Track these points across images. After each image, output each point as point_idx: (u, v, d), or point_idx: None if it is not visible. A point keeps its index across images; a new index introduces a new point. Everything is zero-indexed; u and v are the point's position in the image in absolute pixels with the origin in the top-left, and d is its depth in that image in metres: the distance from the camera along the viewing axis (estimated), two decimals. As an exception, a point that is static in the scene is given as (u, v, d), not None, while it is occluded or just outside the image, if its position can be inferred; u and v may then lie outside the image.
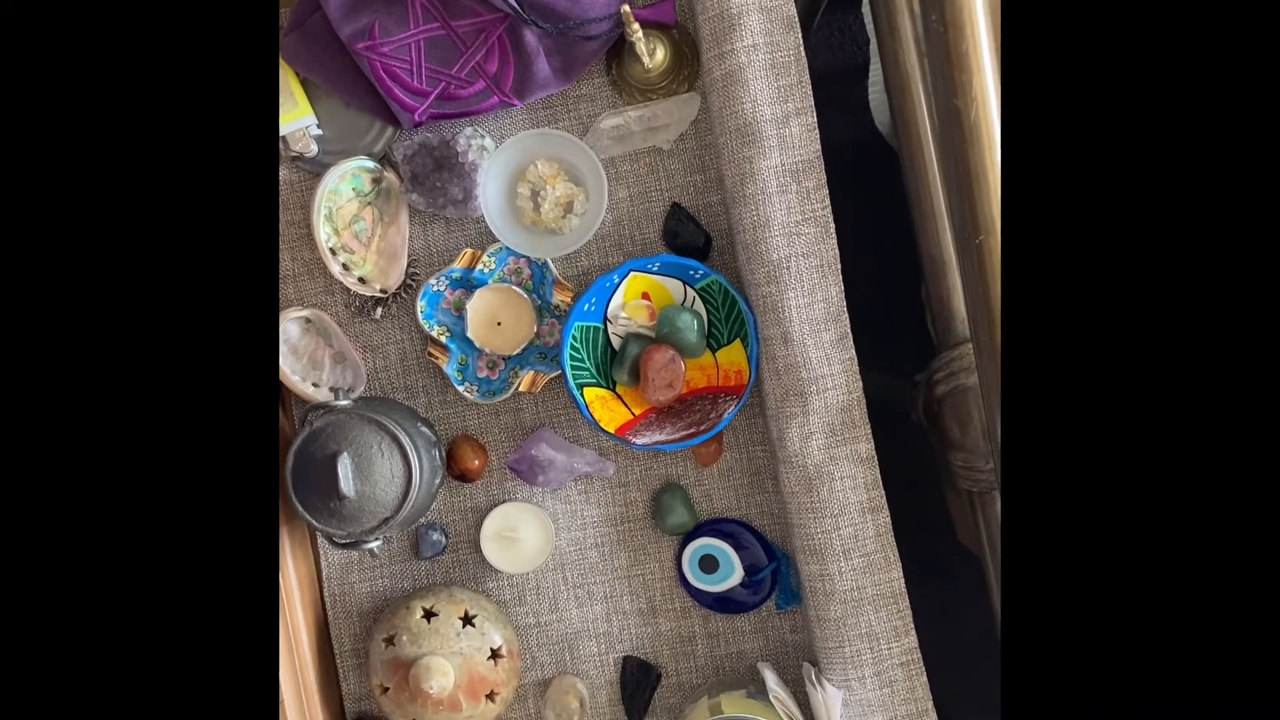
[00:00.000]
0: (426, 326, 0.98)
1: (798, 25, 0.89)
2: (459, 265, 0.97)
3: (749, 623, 0.99)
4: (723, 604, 0.98)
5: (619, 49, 0.97)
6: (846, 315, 0.89)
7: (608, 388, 0.97)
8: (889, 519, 0.89)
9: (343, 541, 0.91)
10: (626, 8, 0.89)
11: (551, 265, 0.97)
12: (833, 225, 0.89)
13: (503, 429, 1.00)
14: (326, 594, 1.02)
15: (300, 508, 0.89)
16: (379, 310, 0.99)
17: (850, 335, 0.89)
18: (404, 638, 0.94)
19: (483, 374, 0.99)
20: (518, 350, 0.97)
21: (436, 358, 0.98)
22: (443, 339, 0.98)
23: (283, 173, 1.00)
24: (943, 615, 1.02)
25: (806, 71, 0.89)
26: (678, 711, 0.99)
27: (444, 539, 1.00)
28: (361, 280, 0.98)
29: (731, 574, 0.97)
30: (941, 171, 0.95)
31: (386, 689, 0.95)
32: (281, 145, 0.98)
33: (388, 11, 0.94)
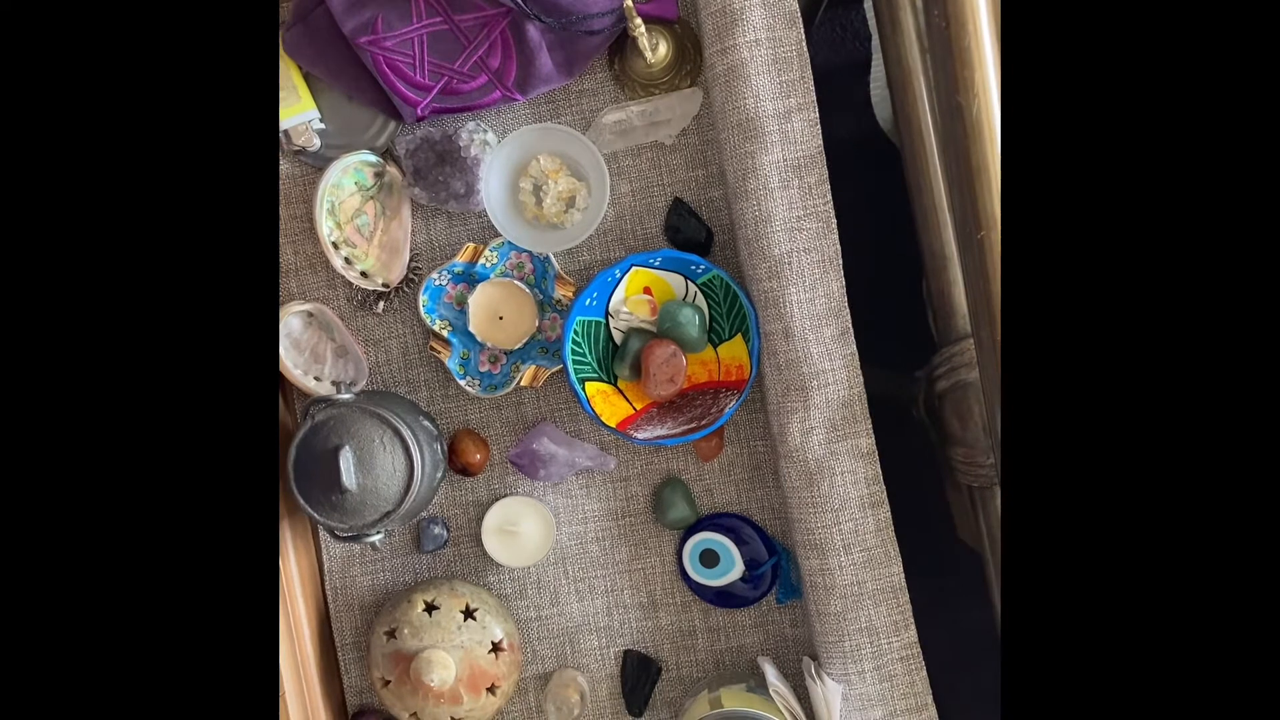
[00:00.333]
0: (428, 321, 0.98)
1: (800, 20, 0.89)
2: (461, 260, 0.97)
3: (749, 617, 0.99)
4: (723, 598, 0.98)
5: (621, 44, 0.97)
6: (848, 310, 0.89)
7: (609, 382, 0.97)
8: (889, 514, 0.89)
9: (344, 535, 0.91)
10: (629, 2, 0.89)
11: (553, 260, 0.97)
12: (834, 220, 0.89)
13: (504, 423, 1.01)
14: (328, 587, 1.02)
15: (302, 501, 0.90)
16: (381, 304, 1.00)
17: (851, 330, 0.89)
18: (405, 631, 0.94)
19: (484, 368, 0.99)
20: (519, 345, 0.98)
21: (438, 352, 0.98)
22: (444, 333, 0.98)
23: (285, 166, 1.00)
24: (943, 610, 1.02)
25: (809, 67, 0.89)
26: (678, 705, 0.99)
27: (445, 533, 1.00)
28: (364, 274, 0.98)
29: (732, 568, 0.97)
30: (943, 167, 0.95)
31: (388, 682, 0.95)
32: (284, 139, 0.98)
33: (391, 6, 0.94)
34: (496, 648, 0.95)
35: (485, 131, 0.96)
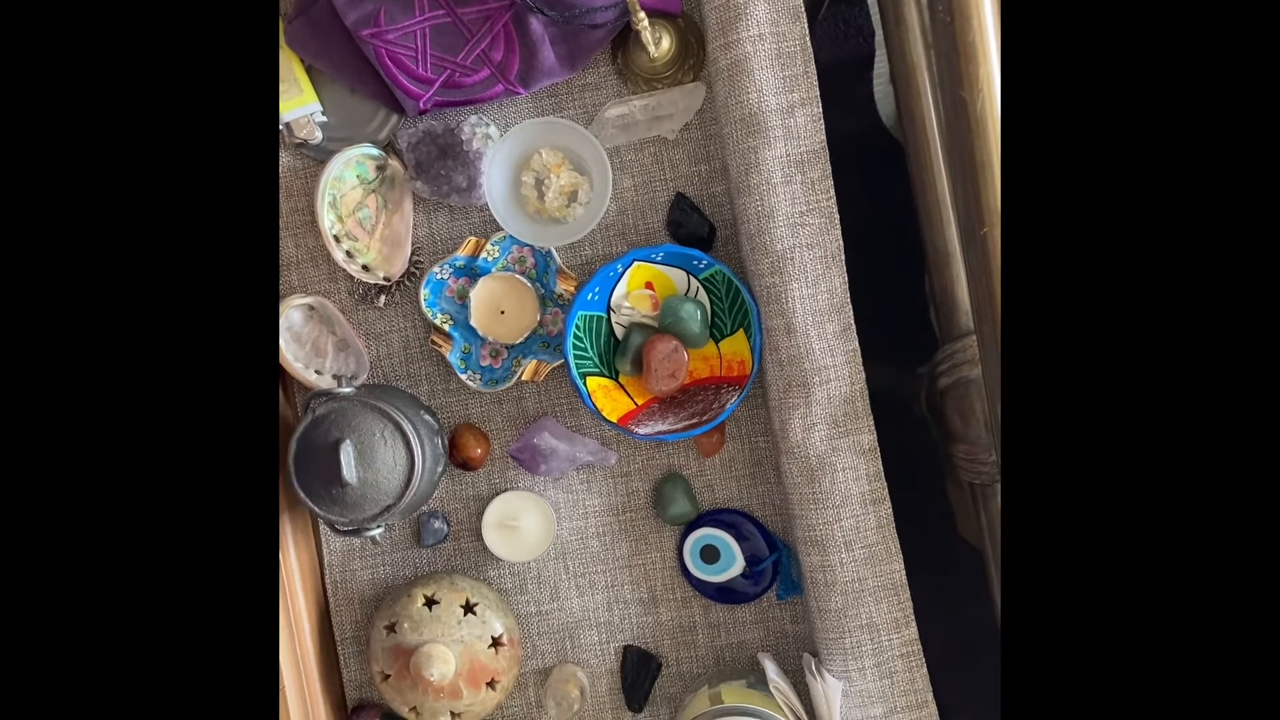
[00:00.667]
0: (430, 314, 0.98)
1: (804, 15, 0.89)
2: (463, 253, 0.97)
3: (750, 613, 0.99)
4: (724, 594, 0.98)
5: (624, 38, 0.96)
6: (850, 307, 0.89)
7: (610, 377, 0.97)
8: (891, 511, 0.89)
9: (345, 529, 0.91)
10: (632, -4, 0.89)
11: (555, 254, 0.97)
12: (837, 216, 0.89)
13: (505, 417, 1.00)
14: (328, 581, 1.02)
15: (303, 495, 0.89)
16: (382, 298, 0.99)
17: (854, 326, 0.89)
18: (405, 625, 0.94)
19: (485, 362, 0.99)
20: (521, 339, 0.97)
21: (439, 346, 0.98)
22: (446, 327, 0.98)
23: (287, 159, 1.00)
24: (944, 607, 1.02)
25: (812, 62, 0.89)
26: (678, 701, 0.99)
27: (446, 527, 1.00)
28: (365, 268, 0.98)
29: (733, 564, 0.97)
30: (947, 163, 0.95)
31: (388, 676, 0.95)
32: (286, 132, 0.98)
33: (393, -2, 0.94)
34: (496, 643, 0.95)
35: (488, 125, 0.96)
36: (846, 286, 0.89)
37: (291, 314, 0.98)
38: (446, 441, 0.99)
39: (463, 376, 0.98)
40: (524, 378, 0.97)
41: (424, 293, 0.97)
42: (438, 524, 1.00)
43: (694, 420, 0.94)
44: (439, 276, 0.98)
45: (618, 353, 0.96)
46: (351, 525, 0.91)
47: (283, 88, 0.96)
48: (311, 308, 0.99)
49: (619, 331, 0.97)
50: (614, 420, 0.94)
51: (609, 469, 1.00)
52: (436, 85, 0.95)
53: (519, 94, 0.96)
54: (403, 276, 0.99)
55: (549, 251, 0.97)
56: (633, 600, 1.00)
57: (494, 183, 0.96)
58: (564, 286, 0.97)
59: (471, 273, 0.98)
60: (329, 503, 0.89)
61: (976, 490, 1.03)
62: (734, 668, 0.98)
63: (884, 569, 0.89)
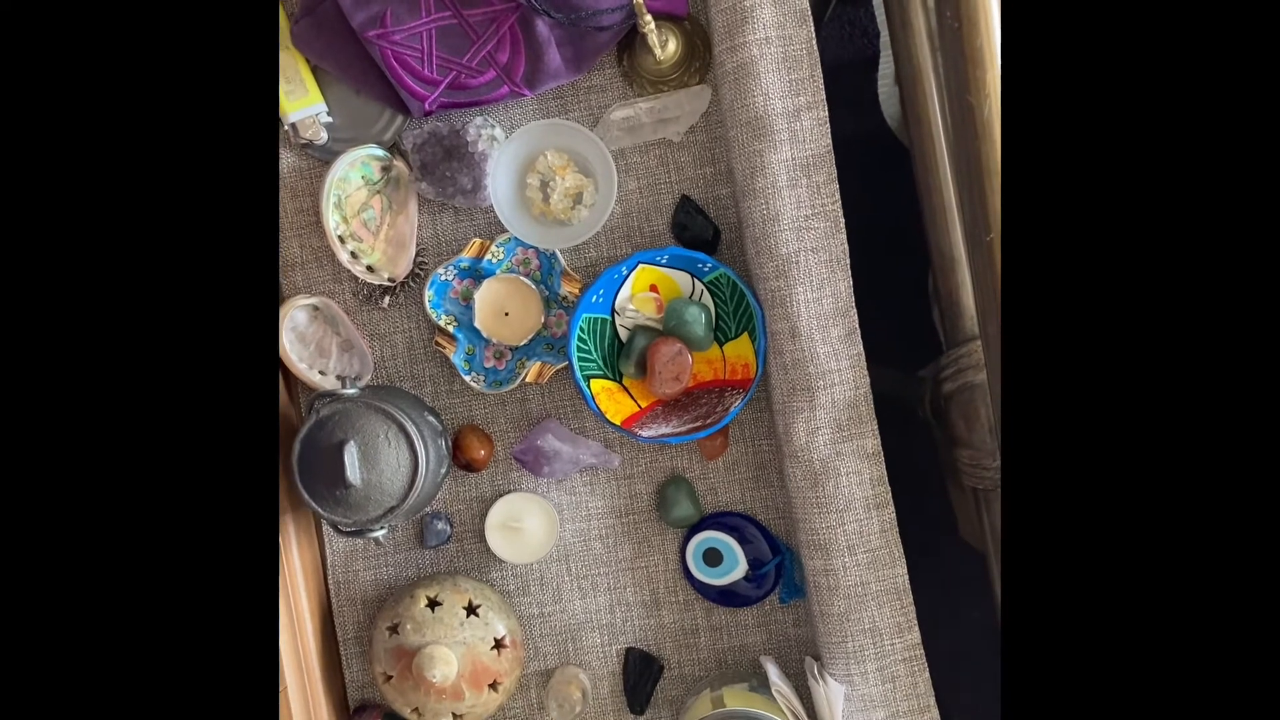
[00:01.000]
0: (434, 316, 0.98)
1: (810, 18, 0.89)
2: (467, 255, 0.97)
3: (752, 616, 0.99)
4: (726, 597, 0.98)
5: (630, 40, 0.96)
6: (855, 310, 0.89)
7: (614, 380, 0.97)
8: (894, 515, 0.89)
9: (348, 530, 0.91)
10: (639, -1, 0.89)
11: (560, 256, 0.97)
12: (842, 220, 0.89)
13: (509, 419, 1.00)
14: (330, 582, 1.02)
15: (306, 495, 0.89)
16: (387, 299, 0.99)
17: (858, 330, 0.89)
18: (408, 626, 0.94)
19: (489, 364, 0.99)
20: (525, 341, 0.97)
21: (443, 347, 0.98)
22: (450, 328, 0.98)
23: (292, 160, 1.00)
24: (947, 612, 1.02)
25: (819, 65, 0.89)
26: (680, 704, 0.99)
27: (449, 528, 1.00)
28: (370, 268, 0.98)
29: (735, 567, 0.97)
30: (953, 168, 0.95)
31: (390, 677, 0.95)
32: (291, 132, 0.98)
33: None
34: (499, 644, 0.95)
35: (493, 127, 0.96)
36: (851, 290, 0.89)
37: (296, 314, 0.98)
38: (450, 443, 0.99)
39: (467, 378, 0.98)
40: (528, 379, 0.97)
41: (428, 294, 0.97)
42: (441, 525, 1.00)
43: (698, 423, 0.94)
44: (443, 278, 0.98)
45: (622, 355, 0.96)
46: (355, 526, 0.91)
47: (288, 88, 0.96)
48: (316, 308, 0.99)
49: (623, 334, 0.97)
50: (618, 423, 0.94)
51: (612, 471, 1.00)
52: (442, 86, 0.95)
53: (524, 96, 0.96)
54: (407, 277, 0.99)
55: (554, 253, 0.97)
56: (635, 603, 1.00)
57: (499, 184, 0.96)
58: (568, 288, 0.97)
59: (476, 274, 0.98)
60: (332, 504, 0.89)
61: (980, 495, 1.03)
62: (736, 671, 0.98)
63: (887, 573, 0.89)
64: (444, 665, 0.92)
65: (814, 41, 0.89)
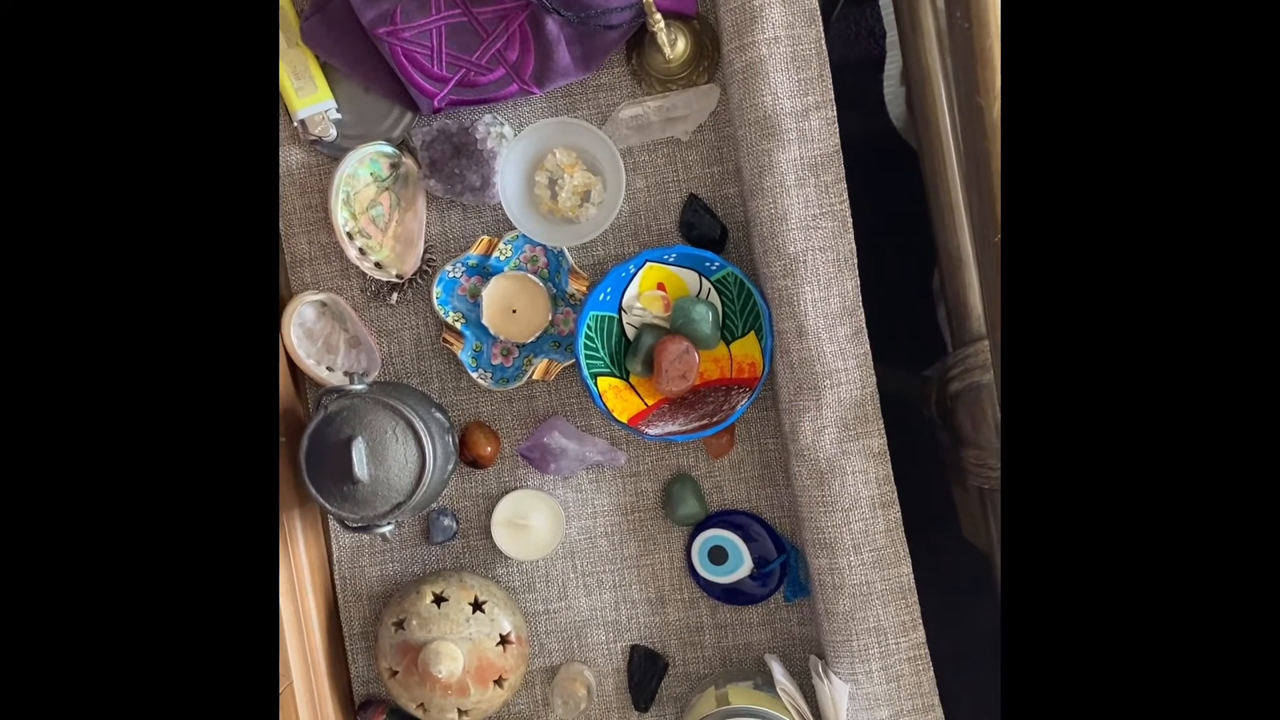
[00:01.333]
0: (442, 313, 0.98)
1: (820, 18, 0.89)
2: (475, 252, 0.97)
3: (757, 614, 1.00)
4: (731, 595, 0.98)
5: (639, 39, 0.96)
6: (862, 310, 0.89)
7: (621, 377, 0.97)
8: (900, 514, 0.89)
9: (355, 525, 0.92)
10: (648, -3, 0.89)
11: (568, 254, 0.97)
12: (850, 220, 0.89)
13: (515, 416, 1.01)
14: (337, 577, 1.02)
15: (314, 491, 0.90)
16: (395, 295, 1.00)
17: (865, 330, 0.89)
18: (414, 622, 0.94)
19: (497, 361, 0.99)
20: (532, 338, 0.98)
21: (451, 344, 0.98)
22: (458, 325, 0.98)
23: (301, 156, 1.00)
24: (951, 612, 1.02)
25: (827, 65, 0.89)
26: (684, 701, 0.99)
27: (455, 525, 1.01)
28: (378, 265, 0.98)
29: (740, 566, 0.97)
30: (961, 168, 0.95)
31: (395, 672, 0.95)
32: (300, 129, 0.98)
33: (409, -3, 0.94)
34: (504, 640, 0.95)
35: (502, 124, 0.96)
36: (859, 289, 0.89)
37: (304, 310, 0.98)
38: (457, 439, 0.99)
39: (474, 375, 0.98)
40: (535, 377, 0.98)
41: (436, 291, 0.97)
42: (447, 521, 1.00)
43: (704, 421, 0.94)
44: (451, 275, 0.98)
45: (629, 353, 0.97)
46: (362, 522, 0.91)
47: (298, 84, 0.97)
48: (324, 304, 0.99)
49: (630, 332, 0.97)
50: (624, 420, 0.94)
51: (618, 469, 1.00)
52: (451, 84, 0.95)
53: (533, 94, 0.96)
54: (415, 274, 0.99)
55: (561, 251, 0.97)
56: (640, 600, 1.00)
57: (508, 182, 0.96)
58: (576, 286, 0.97)
59: (484, 271, 0.98)
60: (340, 499, 0.90)
61: (985, 495, 1.03)
62: (741, 669, 0.99)
63: (892, 572, 0.89)
64: (450, 661, 0.92)
65: (823, 41, 0.89)
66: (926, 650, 0.90)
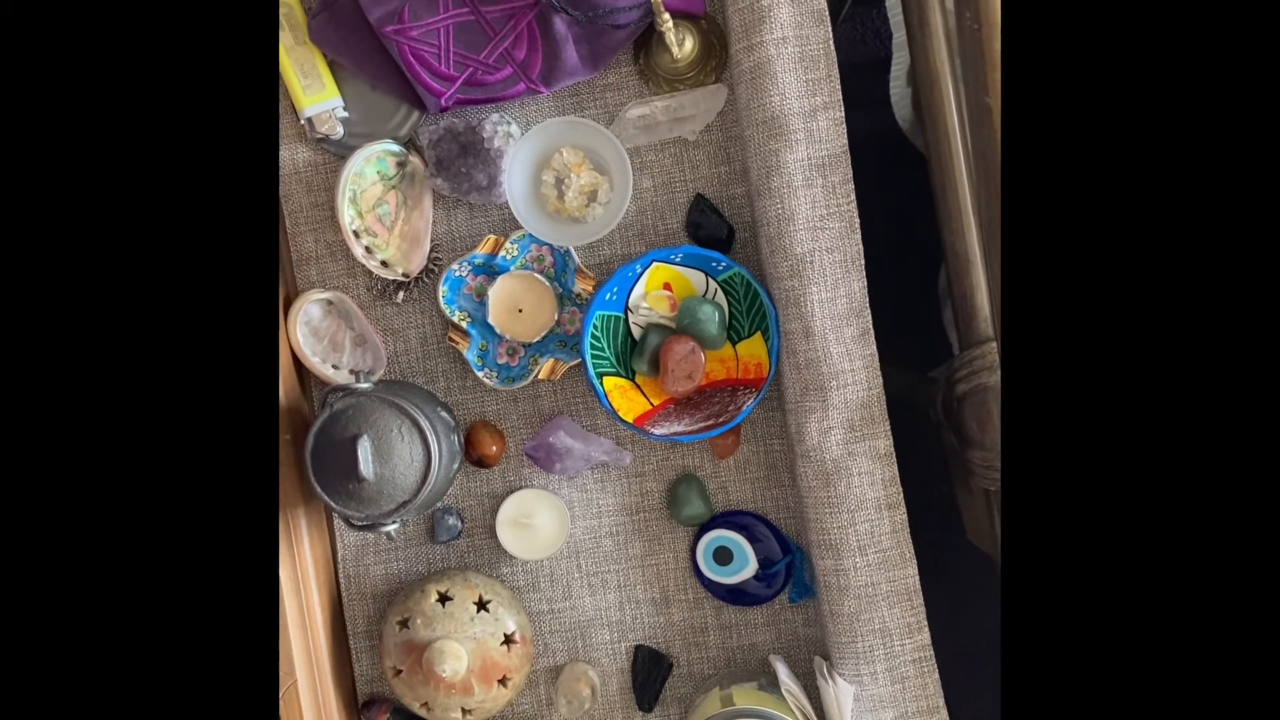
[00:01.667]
0: (448, 311, 0.98)
1: (828, 19, 0.89)
2: (481, 251, 0.97)
3: (762, 615, 0.99)
4: (736, 596, 0.98)
5: (647, 38, 0.96)
6: (869, 311, 0.89)
7: (627, 377, 0.97)
8: (905, 516, 0.89)
9: (360, 524, 0.92)
10: (657, -3, 0.89)
11: (574, 253, 0.97)
12: (857, 220, 0.89)
13: (521, 416, 1.01)
14: (341, 576, 1.02)
15: (319, 489, 0.90)
16: (400, 294, 1.00)
17: (872, 331, 0.89)
18: (418, 621, 0.94)
19: (503, 360, 0.99)
20: (538, 337, 0.98)
21: (457, 343, 0.98)
22: (464, 324, 0.98)
23: (308, 154, 1.00)
24: (956, 613, 1.02)
25: (835, 65, 0.89)
26: (688, 702, 0.99)
27: (460, 524, 1.00)
28: (384, 264, 0.98)
29: (745, 566, 0.97)
30: (969, 169, 0.95)
31: (399, 671, 0.95)
32: (307, 127, 0.98)
33: (417, -5, 0.94)
34: (509, 640, 0.95)
35: (509, 124, 0.96)
36: (865, 290, 0.89)
37: (310, 308, 0.98)
38: (462, 438, 0.99)
39: (479, 374, 0.98)
40: (540, 376, 0.98)
41: (442, 289, 0.97)
42: (452, 520, 1.00)
43: (710, 422, 0.94)
44: (457, 273, 0.98)
45: (635, 353, 0.97)
46: (367, 520, 0.91)
47: (305, 82, 0.97)
48: (330, 302, 0.99)
49: (636, 332, 0.97)
50: (630, 420, 0.94)
51: (623, 469, 1.00)
52: (459, 83, 0.95)
53: (541, 93, 0.96)
54: (421, 273, 0.99)
55: (568, 250, 0.97)
56: (645, 600, 1.00)
57: (514, 181, 0.96)
58: (582, 286, 0.97)
59: (490, 270, 0.98)
60: (345, 498, 0.90)
61: (991, 497, 1.03)
62: (745, 669, 0.99)
63: (898, 574, 0.89)
64: (454, 660, 0.92)
65: (831, 42, 0.89)
66: (932, 652, 0.90)
